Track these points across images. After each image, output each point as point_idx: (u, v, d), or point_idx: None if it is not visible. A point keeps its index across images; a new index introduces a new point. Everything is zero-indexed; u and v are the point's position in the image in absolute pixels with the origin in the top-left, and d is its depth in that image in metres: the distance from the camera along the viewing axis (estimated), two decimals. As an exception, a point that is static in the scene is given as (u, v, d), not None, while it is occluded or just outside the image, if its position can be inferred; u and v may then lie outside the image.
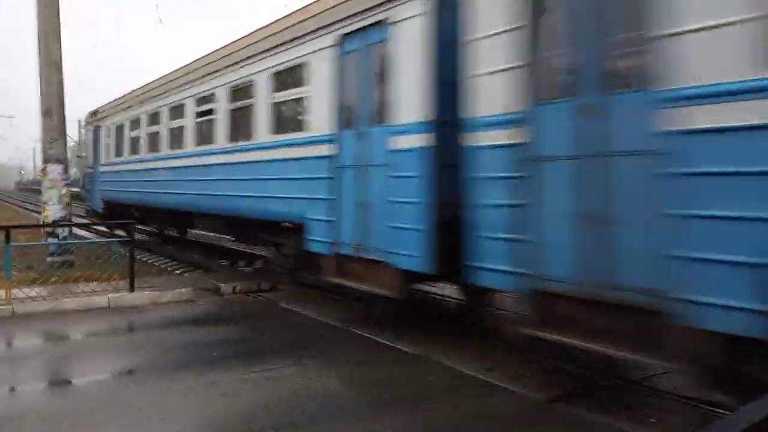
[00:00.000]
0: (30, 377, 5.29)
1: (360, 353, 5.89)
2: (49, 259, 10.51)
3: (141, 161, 14.20)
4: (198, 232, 16.76)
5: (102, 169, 17.60)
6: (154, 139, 13.50)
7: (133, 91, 15.65)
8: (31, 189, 65.32)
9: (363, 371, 5.31)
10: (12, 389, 4.98)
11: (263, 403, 4.48)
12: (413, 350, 5.94)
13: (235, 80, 9.73)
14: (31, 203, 35.20)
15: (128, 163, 15.19)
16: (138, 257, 13.76)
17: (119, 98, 16.72)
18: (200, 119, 11.05)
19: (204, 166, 10.65)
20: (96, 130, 18.43)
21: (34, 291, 7.89)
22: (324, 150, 7.31)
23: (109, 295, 7.89)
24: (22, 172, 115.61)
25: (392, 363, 5.58)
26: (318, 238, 7.40)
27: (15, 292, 7.61)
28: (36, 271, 9.49)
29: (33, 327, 6.79)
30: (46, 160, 11.08)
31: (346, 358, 5.69)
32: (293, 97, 8.22)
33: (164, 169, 12.68)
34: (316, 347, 6.07)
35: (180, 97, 11.99)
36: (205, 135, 10.90)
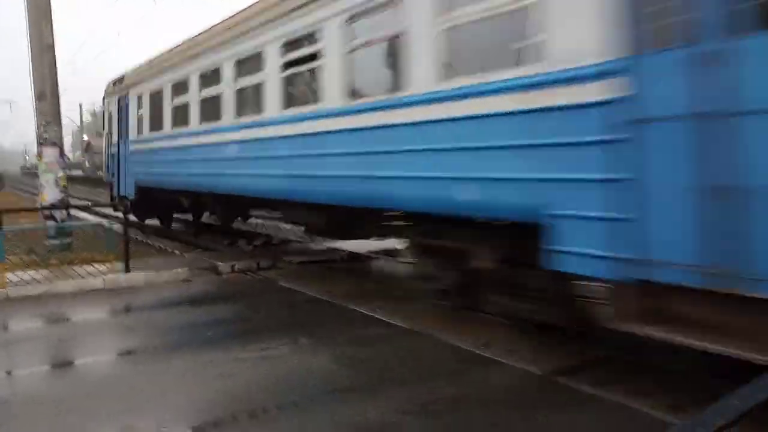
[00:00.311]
0: (24, 361, 5.23)
1: (358, 330, 5.81)
2: (47, 242, 10.47)
3: (192, 134, 10.60)
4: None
5: (132, 147, 14.02)
6: (211, 106, 9.92)
7: (176, 47, 11.98)
8: (35, 173, 65.42)
9: (360, 349, 5.23)
10: (8, 373, 4.92)
11: (260, 384, 4.41)
12: (411, 326, 5.86)
13: (361, 3, 6.32)
14: (37, 188, 35.12)
15: (172, 138, 11.58)
16: (138, 238, 13.80)
17: (155, 58, 13.10)
18: (291, 71, 7.72)
19: (299, 137, 7.41)
20: (122, 101, 14.89)
21: (28, 274, 7.82)
22: (587, 93, 4.16)
23: (104, 277, 7.83)
24: (27, 157, 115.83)
25: (390, 340, 5.49)
26: (582, 250, 4.23)
27: (9, 275, 7.56)
28: (35, 254, 9.47)
29: (27, 310, 6.73)
30: (41, 144, 10.98)
31: (343, 335, 5.61)
32: (500, 9, 4.80)
33: (229, 143, 9.22)
34: (314, 325, 6.00)
35: (254, 45, 8.47)
36: (300, 93, 7.81)
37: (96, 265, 8.50)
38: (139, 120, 13.55)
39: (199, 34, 10.80)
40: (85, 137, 67.49)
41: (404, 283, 8.17)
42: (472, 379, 4.48)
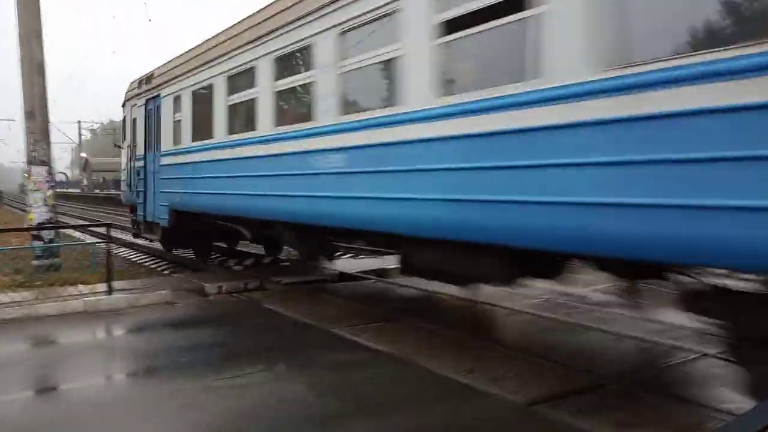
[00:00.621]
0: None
1: (337, 356, 5.64)
2: (35, 262, 10.37)
3: (262, 142, 7.64)
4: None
5: (166, 161, 11.02)
6: (295, 101, 7.44)
7: (230, 29, 9.02)
8: (34, 191, 65.57)
9: (338, 376, 5.06)
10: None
11: (228, 414, 4.24)
12: (393, 351, 5.71)
13: None
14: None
15: (228, 147, 8.62)
16: (128, 257, 13.69)
17: (197, 47, 10.19)
18: (460, 34, 4.90)
19: (479, 138, 4.65)
20: (150, 104, 12.02)
21: (8, 296, 7.67)
22: None
23: (85, 299, 7.67)
24: (26, 174, 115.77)
25: (370, 366, 5.34)
26: None
27: (-11, 298, 7.43)
28: (22, 275, 9.38)
29: (4, 335, 6.56)
30: (30, 162, 10.92)
31: (321, 361, 5.45)
32: None
33: (329, 152, 6.33)
34: (293, 350, 5.85)
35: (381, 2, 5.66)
36: (467, 70, 5.29)
37: (81, 287, 8.37)
38: (176, 127, 10.67)
39: (270, 5, 7.85)
40: (83, 155, 67.82)
41: (392, 305, 8.03)
42: (449, 409, 4.32)
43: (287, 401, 4.46)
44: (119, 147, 14.90)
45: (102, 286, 8.17)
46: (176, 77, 10.75)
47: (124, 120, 14.14)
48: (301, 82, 7.13)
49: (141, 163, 12.39)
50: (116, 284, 8.47)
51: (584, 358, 5.54)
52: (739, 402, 4.37)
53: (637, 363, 5.56)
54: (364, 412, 4.25)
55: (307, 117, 6.88)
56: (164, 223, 11.03)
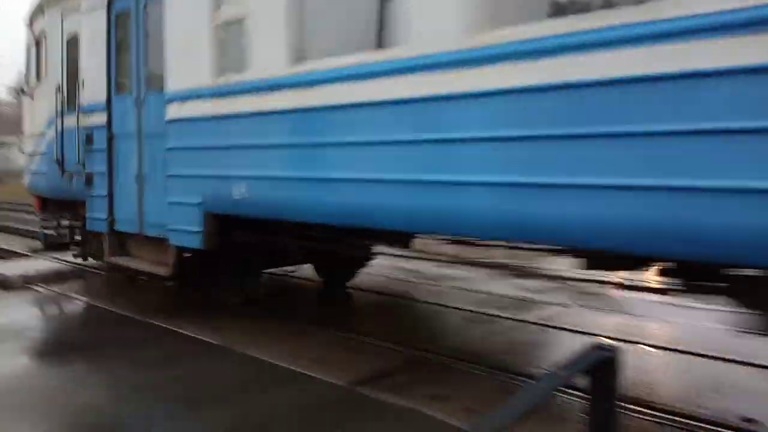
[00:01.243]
0: None
1: (152, 350, 5.12)
2: None
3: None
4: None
5: (191, 109, 5.61)
6: None
7: None
8: None
9: (147, 372, 4.56)
10: None
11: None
12: (217, 341, 5.32)
13: None
14: None
15: (406, 70, 3.81)
16: None
17: None
18: None
19: None
20: (126, 2, 6.53)
21: None
22: None
23: None
24: None
25: (188, 358, 4.91)
26: None
27: None
28: None
29: None
30: None
31: (129, 357, 4.91)
32: None
33: None
34: (98, 347, 5.21)
35: None
36: None
37: None
38: (224, 35, 5.35)
39: None
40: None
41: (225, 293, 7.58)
42: (268, 397, 4.07)
43: (78, 407, 3.92)
44: (23, 93, 9.22)
45: None
46: None
47: (36, 45, 8.39)
48: None
49: (97, 119, 6.87)
50: None
51: (411, 334, 5.59)
52: (546, 364, 4.64)
53: (460, 334, 5.72)
54: (174, 411, 3.86)
55: None
56: (189, 241, 5.71)
